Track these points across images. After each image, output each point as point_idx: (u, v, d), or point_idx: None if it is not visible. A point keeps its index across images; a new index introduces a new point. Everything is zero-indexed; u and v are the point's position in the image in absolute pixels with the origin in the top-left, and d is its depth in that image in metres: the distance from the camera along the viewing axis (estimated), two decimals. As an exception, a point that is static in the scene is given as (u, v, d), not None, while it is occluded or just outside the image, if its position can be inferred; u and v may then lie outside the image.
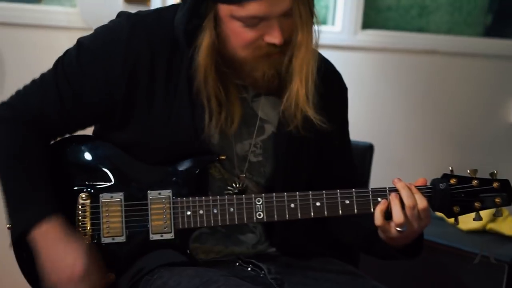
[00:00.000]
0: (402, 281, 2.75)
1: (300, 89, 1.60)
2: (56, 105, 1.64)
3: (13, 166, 1.63)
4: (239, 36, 1.55)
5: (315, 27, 1.60)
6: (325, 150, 1.77)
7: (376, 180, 2.14)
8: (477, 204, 1.62)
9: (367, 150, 2.21)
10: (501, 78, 3.69)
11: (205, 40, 1.55)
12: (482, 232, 2.75)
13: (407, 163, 3.50)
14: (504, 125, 3.73)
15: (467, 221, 2.77)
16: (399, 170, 3.41)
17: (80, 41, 1.67)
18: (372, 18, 3.53)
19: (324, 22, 3.42)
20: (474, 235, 2.73)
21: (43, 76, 1.68)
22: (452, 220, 1.65)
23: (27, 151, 1.64)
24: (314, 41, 1.60)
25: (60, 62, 1.66)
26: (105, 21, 1.70)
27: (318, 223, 1.76)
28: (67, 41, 1.76)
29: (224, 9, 1.53)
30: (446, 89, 3.63)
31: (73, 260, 1.56)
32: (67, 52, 1.67)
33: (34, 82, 1.68)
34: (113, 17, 1.70)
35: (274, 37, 1.53)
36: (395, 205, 1.57)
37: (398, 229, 1.57)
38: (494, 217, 2.77)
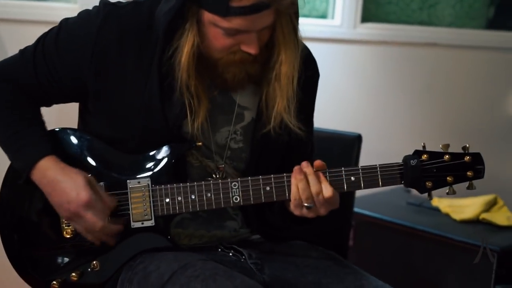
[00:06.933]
0: (389, 270, 2.77)
1: (281, 102, 1.67)
2: (32, 78, 1.72)
3: (3, 115, 1.72)
4: (217, 41, 1.60)
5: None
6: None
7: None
8: (449, 179, 1.64)
9: (355, 140, 2.24)
10: (503, 71, 3.70)
11: (188, 42, 1.60)
12: (475, 222, 2.75)
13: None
14: (506, 118, 3.73)
15: (460, 211, 2.80)
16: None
17: (62, 22, 1.74)
18: (372, 12, 3.55)
19: (324, 16, 3.46)
20: (467, 225, 2.73)
21: (24, 49, 1.75)
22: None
23: (15, 101, 1.72)
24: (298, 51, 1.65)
25: (42, 39, 1.74)
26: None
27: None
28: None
29: (208, 16, 1.58)
30: (447, 82, 3.64)
31: (76, 193, 1.63)
32: (50, 31, 1.74)
33: (16, 54, 1.76)
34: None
35: (251, 48, 1.60)
36: (300, 184, 1.62)
37: (306, 204, 1.62)
38: (488, 207, 2.79)
